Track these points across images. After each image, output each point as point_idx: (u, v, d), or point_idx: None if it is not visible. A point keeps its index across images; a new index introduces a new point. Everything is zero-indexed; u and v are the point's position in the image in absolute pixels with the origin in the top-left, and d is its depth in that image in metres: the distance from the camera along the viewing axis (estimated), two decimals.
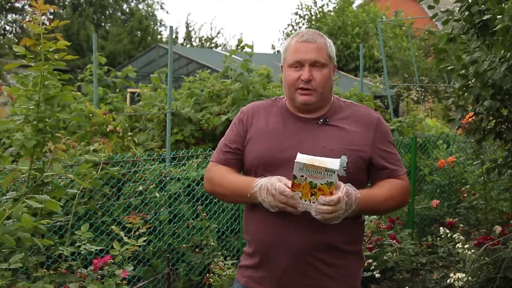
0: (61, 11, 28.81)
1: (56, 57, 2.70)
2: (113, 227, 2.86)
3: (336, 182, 1.80)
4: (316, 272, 1.96)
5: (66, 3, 29.68)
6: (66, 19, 27.40)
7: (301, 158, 1.80)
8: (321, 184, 1.80)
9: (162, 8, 37.30)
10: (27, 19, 2.73)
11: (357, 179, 1.95)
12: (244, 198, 1.96)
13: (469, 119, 3.66)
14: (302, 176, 1.81)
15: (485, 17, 3.20)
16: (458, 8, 3.48)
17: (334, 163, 1.79)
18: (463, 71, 3.35)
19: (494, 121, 3.56)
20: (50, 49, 2.68)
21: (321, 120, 2.01)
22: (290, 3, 62.17)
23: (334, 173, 1.78)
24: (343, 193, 1.82)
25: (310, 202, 1.82)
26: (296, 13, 26.13)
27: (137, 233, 2.86)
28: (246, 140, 2.07)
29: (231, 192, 2.03)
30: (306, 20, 25.66)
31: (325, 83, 1.99)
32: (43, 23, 2.65)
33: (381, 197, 1.98)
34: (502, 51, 3.08)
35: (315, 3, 25.88)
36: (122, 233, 2.82)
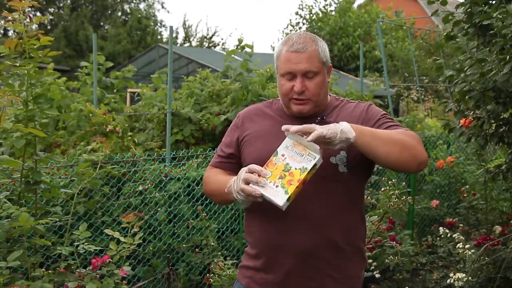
0: (61, 11, 28.80)
1: (40, 54, 2.69)
2: (106, 230, 2.85)
3: (310, 170, 1.79)
4: (319, 273, 1.95)
5: (68, 3, 29.65)
6: (64, 19, 27.40)
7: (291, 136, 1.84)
8: (295, 168, 1.80)
9: (163, 7, 37.19)
10: (7, 19, 2.72)
11: (358, 174, 1.94)
12: (225, 195, 1.94)
13: (466, 123, 3.63)
14: (283, 155, 1.83)
15: (485, 22, 3.18)
16: (457, 8, 3.47)
17: (318, 151, 1.80)
18: (462, 75, 3.33)
19: (495, 124, 3.54)
20: (34, 47, 2.68)
21: (318, 118, 2.00)
22: (290, 3, 62.24)
23: (314, 159, 1.79)
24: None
25: (274, 185, 1.79)
26: (297, 13, 26.09)
27: (132, 231, 2.84)
28: (241, 144, 2.08)
29: (216, 191, 2.05)
30: (307, 20, 25.62)
31: (319, 91, 1.97)
32: (25, 20, 2.65)
33: (379, 130, 1.87)
34: (506, 56, 3.06)
35: (316, 2, 25.88)
36: (117, 233, 2.81)
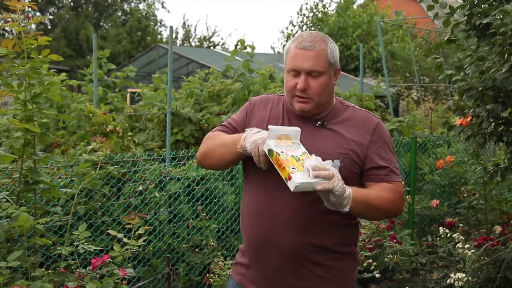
0: (62, 12, 28.78)
1: (41, 55, 2.70)
2: (109, 231, 2.85)
3: (304, 153, 1.82)
4: (309, 273, 1.96)
5: (66, 2, 29.65)
6: (64, 19, 27.39)
7: (272, 128, 1.85)
8: (300, 155, 1.82)
9: (163, 7, 37.23)
10: (6, 20, 2.73)
11: (351, 181, 1.91)
12: (230, 147, 1.93)
13: (468, 121, 3.64)
14: (282, 152, 1.81)
15: (484, 21, 3.18)
16: (457, 9, 3.47)
17: (296, 133, 1.85)
18: (461, 73, 3.33)
19: (494, 123, 3.54)
20: (32, 47, 2.68)
21: (318, 122, 2.00)
22: (291, 3, 62.24)
23: (300, 145, 1.85)
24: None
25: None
26: (300, 12, 26.06)
27: (137, 233, 2.86)
28: (245, 127, 2.06)
29: (220, 144, 2.01)
30: (308, 20, 25.60)
31: (321, 92, 1.96)
32: (23, 20, 2.65)
33: (372, 194, 1.91)
34: (506, 56, 3.07)
35: (316, 4, 25.88)
36: (120, 235, 2.81)
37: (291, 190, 1.72)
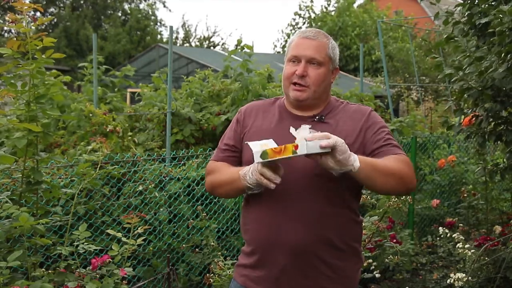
0: (62, 11, 28.79)
1: (44, 56, 2.70)
2: (108, 230, 2.85)
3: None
4: (315, 272, 1.95)
5: (67, 2, 29.66)
6: (65, 19, 27.39)
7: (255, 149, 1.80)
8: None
9: (164, 6, 37.29)
10: (8, 22, 2.74)
11: (352, 176, 1.92)
12: (235, 183, 1.93)
13: (469, 122, 3.64)
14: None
15: (483, 21, 3.19)
16: (459, 8, 3.47)
17: (272, 142, 1.82)
18: (461, 73, 3.34)
19: (493, 122, 3.55)
20: (37, 47, 2.69)
21: (316, 117, 2.01)
22: (292, 3, 62.35)
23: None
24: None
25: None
26: (296, 13, 26.09)
27: (135, 232, 2.86)
28: (242, 139, 2.08)
29: (227, 180, 2.01)
30: (306, 20, 25.62)
31: (319, 82, 1.99)
32: (28, 22, 2.66)
33: (379, 161, 1.88)
34: (502, 55, 3.07)
35: (312, 2, 25.92)
36: (119, 234, 2.81)
37: (305, 152, 1.70)
